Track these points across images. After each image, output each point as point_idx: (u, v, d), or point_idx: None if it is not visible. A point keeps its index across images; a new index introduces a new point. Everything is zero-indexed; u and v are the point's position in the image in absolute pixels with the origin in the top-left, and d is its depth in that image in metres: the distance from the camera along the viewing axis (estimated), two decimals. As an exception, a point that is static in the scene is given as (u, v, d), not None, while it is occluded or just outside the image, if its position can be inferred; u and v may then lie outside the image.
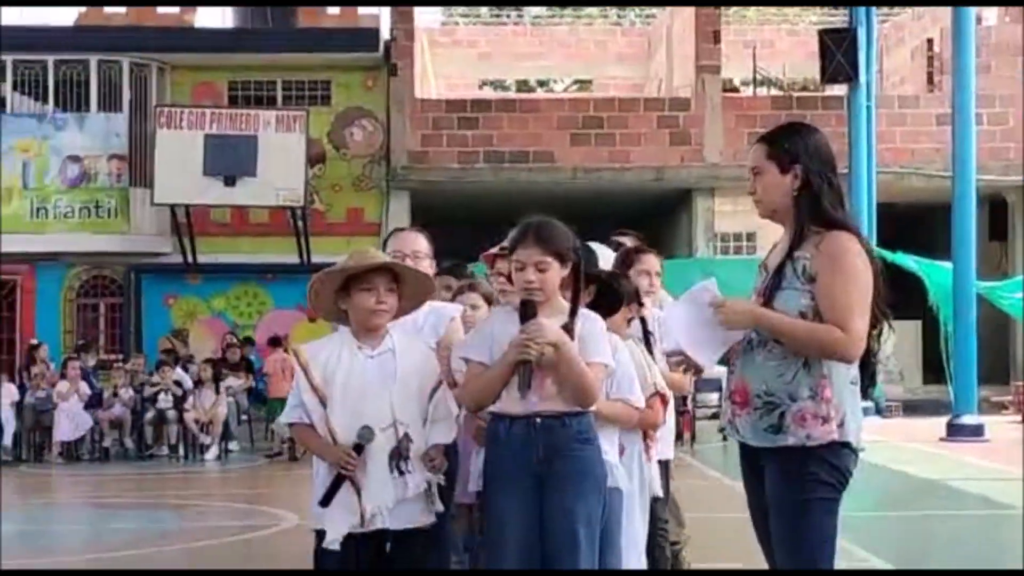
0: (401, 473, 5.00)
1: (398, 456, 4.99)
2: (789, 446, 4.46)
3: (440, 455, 5.11)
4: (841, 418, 4.44)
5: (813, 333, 4.45)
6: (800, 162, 4.57)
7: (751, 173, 4.72)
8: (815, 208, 4.53)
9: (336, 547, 4.96)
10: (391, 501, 4.99)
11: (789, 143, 4.64)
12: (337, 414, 4.98)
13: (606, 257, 6.77)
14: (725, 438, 14.32)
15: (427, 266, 5.97)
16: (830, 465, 4.45)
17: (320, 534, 5.06)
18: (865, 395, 4.65)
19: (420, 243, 6.19)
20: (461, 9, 35.67)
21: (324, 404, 4.99)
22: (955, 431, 18.76)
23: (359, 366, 5.05)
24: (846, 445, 4.46)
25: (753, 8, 35.48)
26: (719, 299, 4.65)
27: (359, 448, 4.91)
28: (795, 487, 4.49)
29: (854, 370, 4.50)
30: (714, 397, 19.68)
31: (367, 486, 4.96)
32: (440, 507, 5.17)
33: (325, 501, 4.97)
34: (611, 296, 5.52)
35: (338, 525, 4.97)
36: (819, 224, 4.51)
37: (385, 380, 5.04)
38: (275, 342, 20.12)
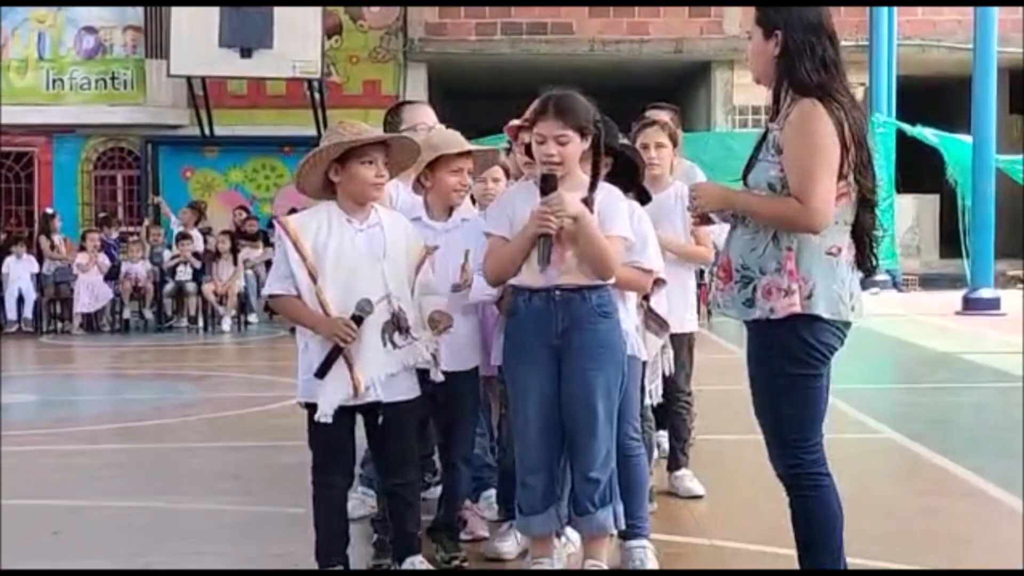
0: (395, 346, 5.02)
1: (392, 328, 5.01)
2: (757, 319, 4.44)
3: (445, 315, 5.15)
4: (809, 290, 4.36)
5: (773, 207, 4.40)
6: (781, 27, 4.48)
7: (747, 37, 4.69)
8: (791, 74, 4.45)
9: (328, 419, 4.99)
10: (384, 374, 5.02)
11: (770, 11, 4.56)
12: (330, 286, 4.98)
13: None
14: (710, 313, 14.45)
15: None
16: (799, 339, 4.38)
17: (311, 408, 5.08)
18: (864, 268, 4.53)
19: (430, 116, 6.33)
20: None
21: (314, 277, 4.98)
22: (971, 304, 18.81)
23: (350, 239, 5.04)
24: (816, 318, 4.37)
25: None
26: (695, 185, 4.72)
27: (358, 320, 4.92)
28: (763, 362, 4.49)
29: (832, 240, 4.39)
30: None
31: (361, 357, 4.97)
32: (440, 378, 5.21)
33: (321, 373, 4.98)
34: (629, 168, 5.52)
35: (331, 397, 5.00)
36: (796, 90, 4.43)
37: (376, 253, 5.05)
38: (293, 214, 20.09)
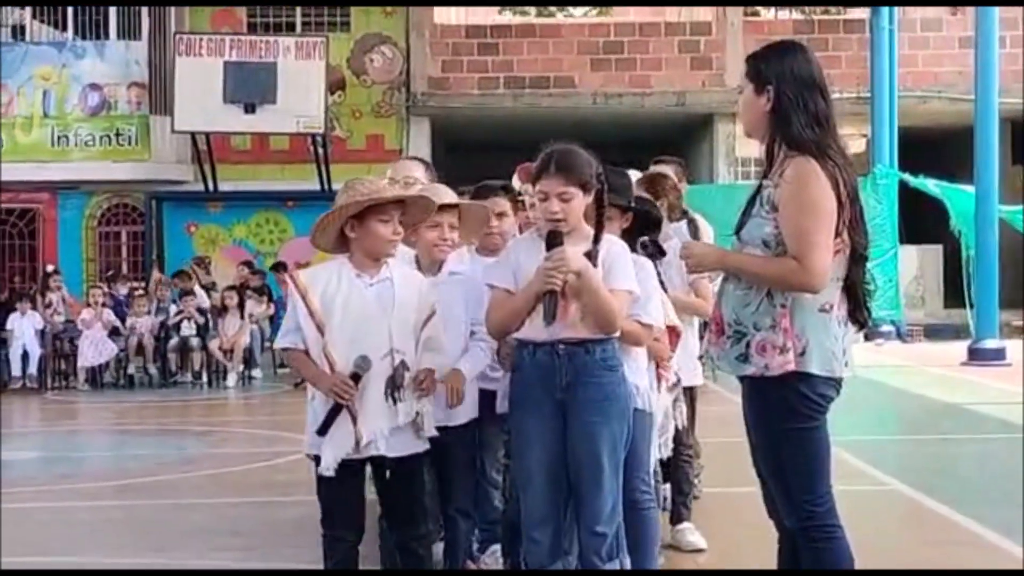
0: (395, 401, 5.02)
1: (393, 384, 5.01)
2: (752, 376, 4.44)
3: (430, 378, 5.13)
4: (803, 348, 4.36)
5: (770, 267, 4.40)
6: (773, 82, 4.48)
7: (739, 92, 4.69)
8: (784, 129, 4.45)
9: (331, 473, 5.00)
10: (387, 428, 5.02)
11: (765, 63, 4.56)
12: (336, 341, 4.99)
13: None
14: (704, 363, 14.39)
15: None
16: (796, 394, 4.39)
17: (317, 460, 5.10)
18: (857, 322, 4.51)
19: (418, 170, 6.40)
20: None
21: (321, 331, 5.00)
22: (976, 355, 18.75)
23: (358, 294, 5.05)
24: (809, 375, 4.37)
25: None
26: (687, 245, 4.74)
27: (356, 377, 4.93)
28: (763, 419, 4.50)
29: (825, 297, 4.38)
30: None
31: (363, 413, 4.99)
32: (432, 432, 5.18)
33: (323, 430, 5.00)
34: (647, 220, 5.54)
35: (333, 451, 5.01)
36: (789, 146, 4.44)
37: (384, 308, 5.06)
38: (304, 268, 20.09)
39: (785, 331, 4.36)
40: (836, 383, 4.45)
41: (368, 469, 5.20)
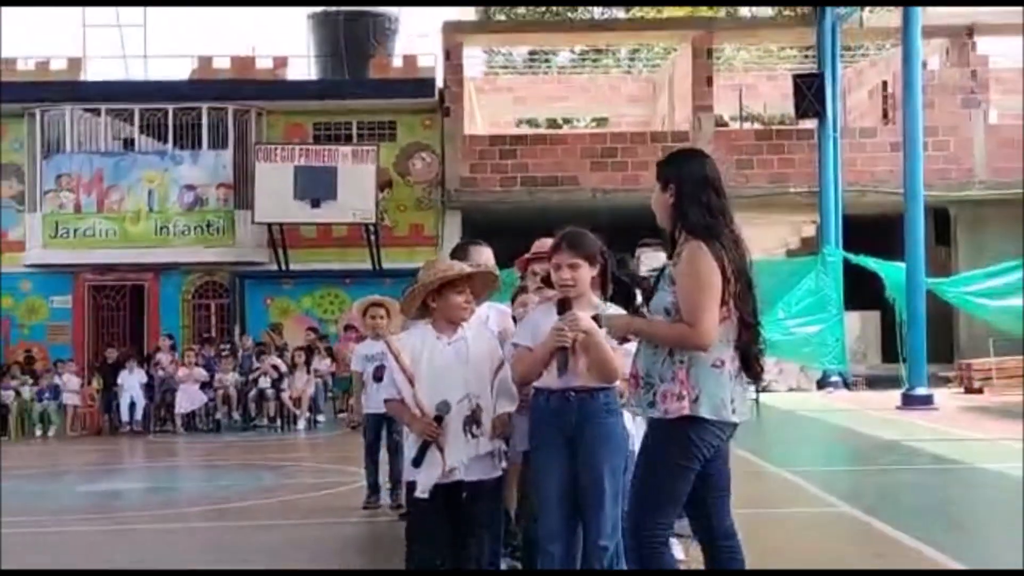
0: (474, 436, 5.10)
1: (471, 422, 5.09)
2: (656, 418, 4.45)
3: (504, 424, 5.19)
4: (696, 396, 4.37)
5: (668, 331, 4.43)
6: (674, 180, 4.53)
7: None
8: (683, 219, 4.48)
9: (426, 495, 5.07)
10: (466, 458, 5.08)
11: (668, 166, 4.63)
12: (424, 390, 5.07)
13: (659, 259, 6.79)
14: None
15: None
16: (686, 436, 4.38)
17: (411, 485, 5.18)
18: (751, 375, 4.50)
19: (488, 256, 6.39)
20: (501, 60, 35.69)
21: (412, 383, 5.09)
22: (909, 401, 18.62)
23: (439, 351, 5.14)
24: (702, 419, 4.37)
25: (740, 56, 35.33)
26: (607, 318, 4.78)
27: (439, 419, 5.01)
28: (656, 449, 4.48)
29: (716, 354, 4.39)
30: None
31: (448, 446, 5.06)
32: (505, 464, 5.27)
33: (416, 462, 5.08)
34: (625, 291, 5.53)
35: (427, 478, 5.07)
36: (688, 232, 4.46)
37: (460, 362, 5.14)
38: (348, 329, 20.07)
39: (681, 382, 4.38)
40: (724, 428, 4.44)
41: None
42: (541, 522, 5.08)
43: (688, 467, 4.42)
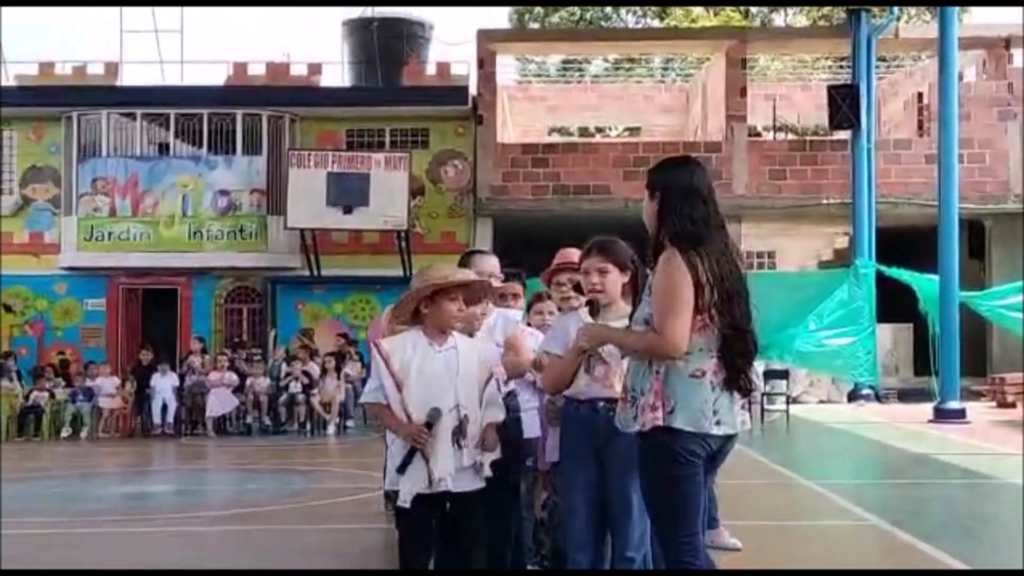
0: (460, 447, 5.01)
1: (458, 433, 5.00)
2: (637, 431, 4.37)
3: (492, 436, 5.11)
4: (671, 407, 4.26)
5: (637, 340, 4.38)
6: (659, 189, 4.49)
7: None
8: (666, 227, 4.41)
9: (407, 505, 4.98)
10: (453, 469, 5.00)
11: (656, 174, 4.59)
12: (412, 397, 4.99)
13: None
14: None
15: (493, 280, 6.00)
16: (664, 446, 4.27)
17: (392, 494, 5.10)
18: (738, 388, 4.34)
19: (494, 265, 6.29)
20: (534, 69, 35.66)
21: (400, 389, 5.00)
22: (941, 415, 18.53)
23: (430, 359, 5.06)
24: (677, 430, 4.25)
25: (774, 67, 35.21)
26: (582, 327, 4.77)
27: (429, 425, 4.93)
28: (643, 465, 4.41)
29: (696, 364, 4.28)
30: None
31: (435, 456, 4.97)
32: (488, 474, 5.11)
33: (402, 469, 4.99)
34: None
35: (410, 487, 4.99)
36: (669, 240, 4.38)
37: (450, 372, 5.05)
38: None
39: (656, 393, 4.30)
40: (704, 439, 4.30)
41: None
42: (569, 532, 5.09)
43: (679, 475, 4.29)
